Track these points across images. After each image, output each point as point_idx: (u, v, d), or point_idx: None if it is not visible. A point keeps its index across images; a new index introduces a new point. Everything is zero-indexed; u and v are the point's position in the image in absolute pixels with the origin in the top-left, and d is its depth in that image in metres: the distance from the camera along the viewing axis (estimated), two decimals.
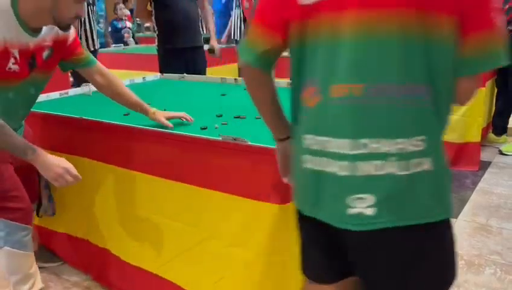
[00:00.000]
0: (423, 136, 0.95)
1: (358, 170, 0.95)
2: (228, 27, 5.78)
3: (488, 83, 3.86)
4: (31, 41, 1.72)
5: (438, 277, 1.02)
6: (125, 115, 2.07)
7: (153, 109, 1.93)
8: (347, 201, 0.97)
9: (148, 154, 1.79)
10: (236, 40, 5.59)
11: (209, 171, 1.61)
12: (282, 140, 1.23)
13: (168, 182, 1.72)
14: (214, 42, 3.96)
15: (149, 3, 3.59)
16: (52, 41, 1.81)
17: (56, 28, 1.76)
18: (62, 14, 1.67)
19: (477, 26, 0.94)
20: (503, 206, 2.97)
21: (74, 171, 1.68)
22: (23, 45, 1.69)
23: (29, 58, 1.74)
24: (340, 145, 0.97)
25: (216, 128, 1.85)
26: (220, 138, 1.58)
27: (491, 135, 4.19)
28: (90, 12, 4.20)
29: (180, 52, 3.57)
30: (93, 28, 4.23)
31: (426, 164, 0.95)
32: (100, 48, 4.72)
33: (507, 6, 3.54)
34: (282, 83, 2.63)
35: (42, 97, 2.36)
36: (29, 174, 2.04)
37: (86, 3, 1.72)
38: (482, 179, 3.41)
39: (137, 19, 7.53)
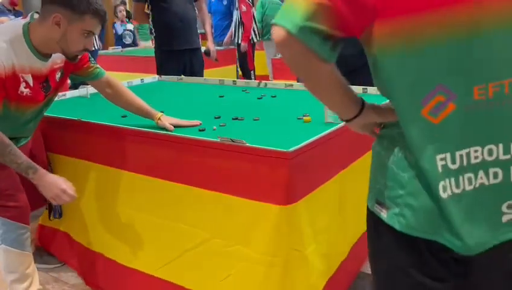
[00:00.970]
0: None
1: None
2: (230, 29, 5.80)
3: None
4: (44, 67, 1.80)
5: None
6: (123, 116, 2.08)
7: (159, 114, 1.93)
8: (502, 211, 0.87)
9: (148, 156, 1.79)
10: (238, 42, 5.62)
11: (209, 173, 1.61)
12: (355, 117, 1.02)
13: (168, 183, 1.73)
14: (210, 44, 3.96)
15: (146, 6, 3.60)
16: (62, 62, 1.89)
17: None
18: (70, 46, 1.74)
19: None
20: None
21: (71, 191, 1.74)
22: (36, 70, 1.77)
23: (43, 82, 1.82)
24: (493, 151, 0.85)
25: (214, 130, 1.85)
26: (219, 140, 1.58)
27: None
28: None
29: (178, 54, 3.57)
30: None
31: None
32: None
33: None
34: (280, 84, 2.69)
35: None
36: None
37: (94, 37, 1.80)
38: None
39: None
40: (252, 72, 5.84)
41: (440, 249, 0.90)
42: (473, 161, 0.86)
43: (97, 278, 2.13)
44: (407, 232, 0.91)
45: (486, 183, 0.86)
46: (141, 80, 3.10)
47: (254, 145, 1.52)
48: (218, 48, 5.10)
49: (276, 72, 4.29)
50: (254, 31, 5.70)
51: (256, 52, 5.97)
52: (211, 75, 3.94)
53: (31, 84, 1.77)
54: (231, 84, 2.90)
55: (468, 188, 0.87)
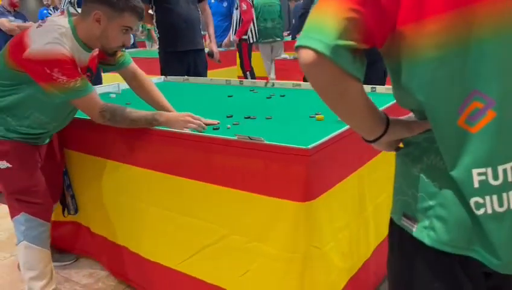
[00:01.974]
0: None
1: None
2: (231, 29, 5.82)
3: None
4: (87, 57, 1.89)
5: None
6: None
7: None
8: None
9: (169, 155, 1.80)
10: (236, 41, 5.64)
11: (227, 171, 1.62)
12: (382, 135, 0.94)
13: (187, 181, 1.73)
14: (213, 46, 3.97)
15: (150, 7, 3.60)
16: (97, 50, 1.98)
17: None
18: (110, 42, 1.82)
19: None
20: None
21: (195, 117, 1.83)
22: (83, 61, 1.87)
23: (87, 71, 1.91)
24: None
25: (228, 128, 1.86)
26: (236, 138, 1.59)
27: None
28: None
29: (182, 55, 3.58)
30: None
31: None
32: None
33: None
34: (287, 84, 2.69)
35: None
36: (53, 174, 2.14)
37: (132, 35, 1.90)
38: None
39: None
40: (248, 72, 5.86)
41: (472, 265, 0.84)
42: None
43: (125, 270, 2.16)
44: (438, 247, 0.85)
45: None
46: None
47: (272, 143, 1.52)
48: (219, 49, 5.12)
49: (278, 72, 4.30)
50: (252, 32, 5.71)
51: (256, 54, 6.00)
52: (213, 76, 3.94)
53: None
54: (238, 84, 2.90)
55: None
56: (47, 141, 2.04)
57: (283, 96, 2.46)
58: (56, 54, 1.68)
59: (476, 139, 0.79)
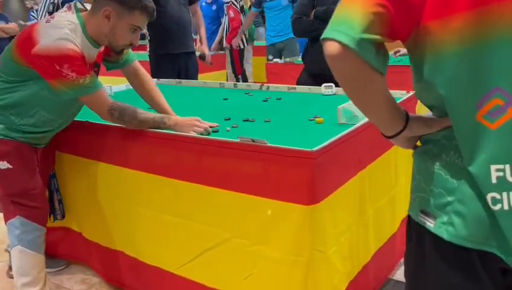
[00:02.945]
0: None
1: None
2: (219, 34, 5.82)
3: None
4: (95, 53, 1.87)
5: None
6: None
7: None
8: None
9: (168, 157, 1.77)
10: (228, 47, 5.65)
11: (230, 174, 1.60)
12: (399, 132, 0.96)
13: (188, 184, 1.70)
14: (205, 48, 3.96)
15: None
16: (104, 47, 1.94)
17: None
18: (118, 40, 1.79)
19: None
20: None
21: (202, 122, 1.81)
22: (91, 57, 1.84)
23: (95, 67, 1.88)
24: None
25: (228, 131, 1.84)
26: (239, 140, 1.57)
27: None
28: None
29: (173, 58, 3.55)
30: None
31: None
32: None
33: None
34: (282, 87, 2.68)
35: None
36: (44, 178, 2.06)
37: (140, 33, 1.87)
38: None
39: None
40: (239, 76, 5.86)
41: (490, 260, 0.85)
42: None
43: (119, 275, 2.11)
44: (456, 242, 0.85)
45: None
46: None
47: (276, 145, 1.50)
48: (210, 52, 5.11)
49: (270, 76, 4.30)
50: (242, 37, 5.72)
51: (253, 58, 6.05)
52: (204, 79, 3.92)
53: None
54: (232, 87, 2.88)
55: None
56: (47, 142, 1.99)
57: (279, 99, 2.45)
58: (66, 50, 1.65)
59: (496, 136, 0.80)
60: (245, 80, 5.77)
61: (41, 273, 1.95)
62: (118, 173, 1.96)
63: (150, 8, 1.77)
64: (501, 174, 0.80)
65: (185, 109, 2.13)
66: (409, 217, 0.99)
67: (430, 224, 0.90)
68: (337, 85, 2.42)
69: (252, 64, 6.21)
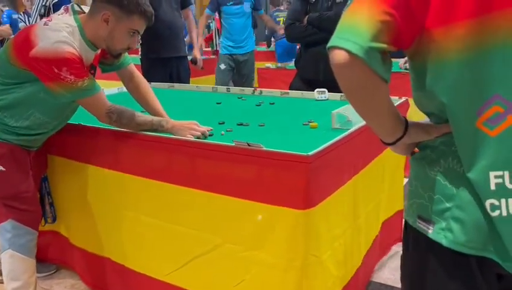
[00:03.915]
0: None
1: None
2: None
3: None
4: (93, 56, 1.86)
5: None
6: None
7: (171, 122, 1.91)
8: None
9: (160, 161, 1.75)
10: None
11: (224, 178, 1.59)
12: (399, 139, 0.95)
13: (180, 188, 1.69)
14: (196, 53, 3.96)
15: None
16: (101, 49, 1.93)
17: None
18: (116, 44, 1.79)
19: None
20: None
21: (199, 125, 1.82)
22: (89, 60, 1.83)
23: (91, 69, 1.87)
24: None
25: (222, 134, 1.84)
26: (234, 144, 1.57)
27: None
28: None
29: (164, 62, 3.54)
30: None
31: None
32: None
33: None
34: (275, 92, 2.69)
35: None
36: (36, 181, 2.05)
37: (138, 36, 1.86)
38: None
39: None
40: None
41: (487, 266, 0.85)
42: None
43: (105, 282, 2.07)
44: (455, 248, 0.86)
45: None
46: None
47: (272, 149, 1.50)
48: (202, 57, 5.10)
49: (261, 81, 4.32)
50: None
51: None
52: (196, 83, 3.92)
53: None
54: (225, 91, 2.88)
55: None
56: (40, 145, 1.96)
57: (273, 104, 2.45)
58: (65, 53, 1.64)
59: (495, 143, 0.81)
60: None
61: (32, 278, 1.93)
62: (107, 177, 1.94)
63: (149, 13, 1.77)
64: (500, 180, 0.81)
65: (178, 113, 2.11)
66: (405, 222, 0.99)
67: (427, 230, 0.90)
68: (329, 90, 2.44)
69: None
